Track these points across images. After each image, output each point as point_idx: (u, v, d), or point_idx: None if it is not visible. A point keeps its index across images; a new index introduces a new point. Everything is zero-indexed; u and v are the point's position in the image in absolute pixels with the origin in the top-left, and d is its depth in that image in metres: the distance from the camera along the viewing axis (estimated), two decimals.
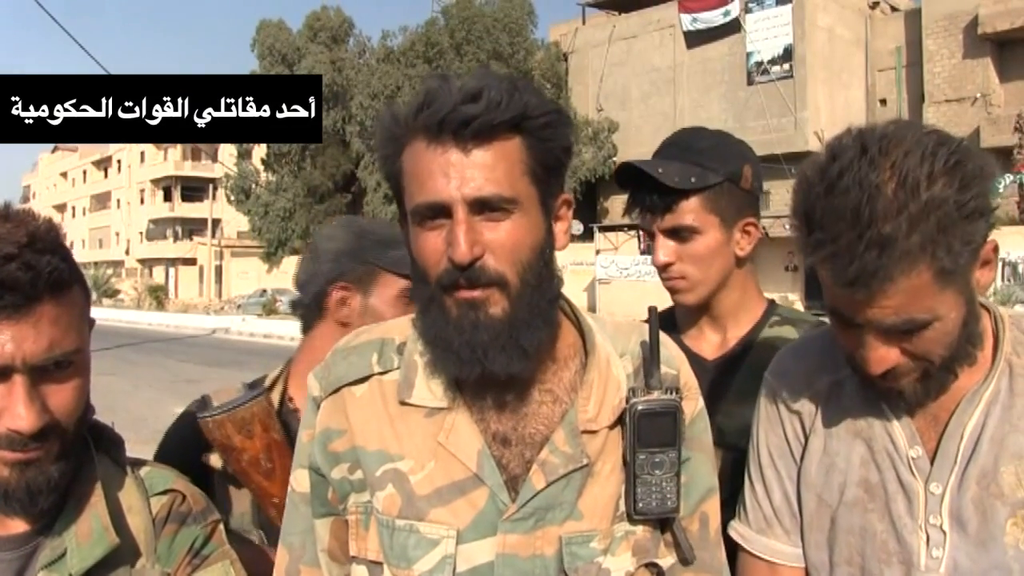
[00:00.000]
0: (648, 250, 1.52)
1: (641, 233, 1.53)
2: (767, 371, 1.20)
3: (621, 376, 0.98)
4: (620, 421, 0.96)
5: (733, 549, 1.17)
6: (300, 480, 1.03)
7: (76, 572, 0.92)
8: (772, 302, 1.51)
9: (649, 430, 0.94)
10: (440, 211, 0.88)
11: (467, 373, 0.90)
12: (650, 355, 0.98)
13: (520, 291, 0.89)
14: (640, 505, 0.94)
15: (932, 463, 1.03)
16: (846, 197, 0.89)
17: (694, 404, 1.03)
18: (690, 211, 1.37)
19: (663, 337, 1.01)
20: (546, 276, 0.92)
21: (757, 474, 1.18)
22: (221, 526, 1.08)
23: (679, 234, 1.38)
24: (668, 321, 1.45)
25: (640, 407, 0.94)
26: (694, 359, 1.20)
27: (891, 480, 1.05)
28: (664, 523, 0.98)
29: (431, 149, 0.88)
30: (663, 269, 1.41)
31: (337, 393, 0.99)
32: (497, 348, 0.88)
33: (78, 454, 0.98)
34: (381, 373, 0.98)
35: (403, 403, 0.96)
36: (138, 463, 1.08)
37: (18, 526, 0.96)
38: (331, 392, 1.00)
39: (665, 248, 1.39)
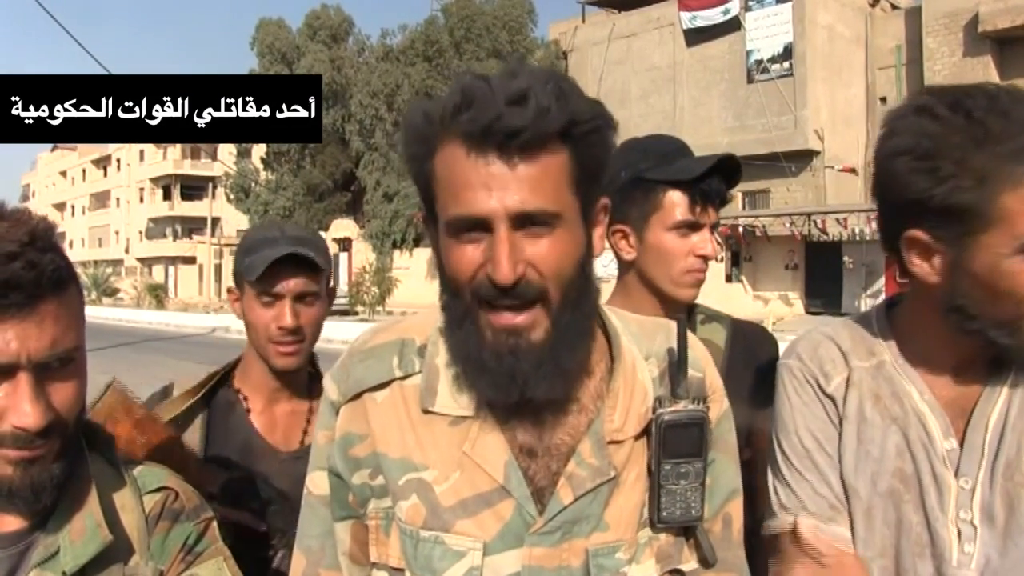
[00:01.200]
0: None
1: (623, 232, 1.49)
2: (786, 357, 1.17)
3: (647, 382, 0.96)
4: (646, 430, 0.94)
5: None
6: (318, 482, 1.00)
7: (69, 570, 0.92)
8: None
9: (675, 441, 0.92)
10: (479, 225, 0.83)
11: (503, 398, 0.87)
12: (677, 364, 0.95)
13: (562, 309, 0.85)
14: (664, 514, 0.93)
15: (959, 457, 1.03)
16: (1019, 103, 0.94)
17: (719, 406, 1.01)
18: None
19: (691, 340, 0.99)
20: (587, 289, 0.89)
21: (805, 463, 1.11)
22: (215, 523, 1.07)
23: (715, 229, 1.46)
24: None
25: (666, 418, 0.92)
26: None
27: (925, 472, 1.04)
28: (687, 528, 0.96)
29: (471, 157, 0.82)
30: (702, 262, 1.44)
31: (358, 399, 0.96)
32: (539, 376, 0.85)
33: (73, 452, 0.97)
34: (402, 378, 0.95)
35: (426, 411, 0.93)
36: (131, 462, 1.08)
37: (11, 524, 0.95)
38: (351, 398, 0.97)
39: (714, 243, 1.44)
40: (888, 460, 1.06)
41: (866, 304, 23.77)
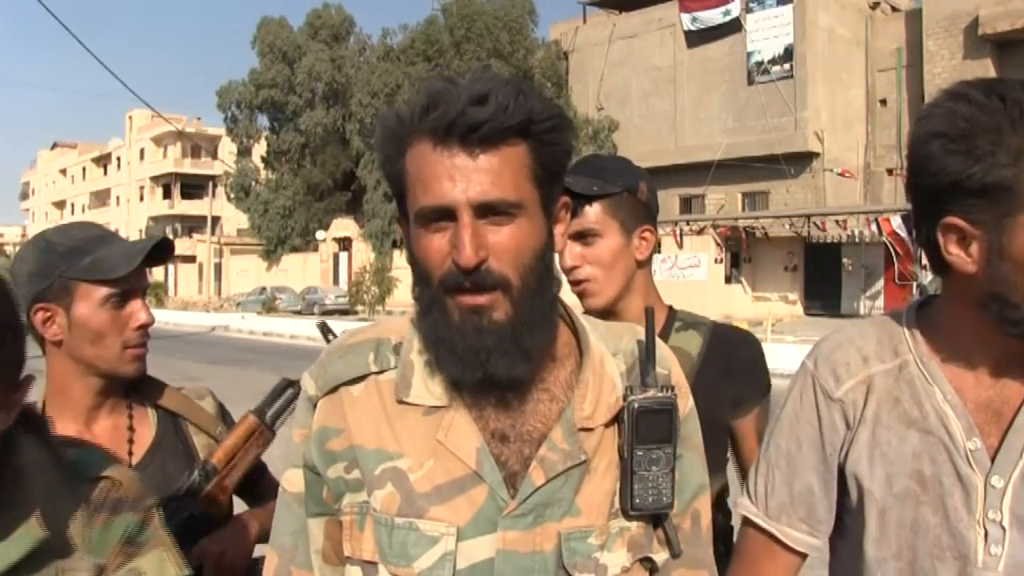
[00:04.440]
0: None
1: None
2: (806, 359, 1.18)
3: (615, 375, 0.99)
4: (615, 419, 0.97)
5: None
6: (293, 480, 1.02)
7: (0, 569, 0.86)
8: (672, 308, 1.62)
9: (647, 427, 0.95)
10: (445, 214, 0.89)
11: (469, 376, 0.91)
12: (646, 354, 0.99)
13: (523, 294, 0.90)
14: (637, 501, 0.95)
15: (994, 458, 1.02)
16: None
17: (685, 403, 1.04)
18: (593, 215, 1.51)
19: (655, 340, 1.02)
20: (547, 279, 0.93)
21: (779, 461, 1.15)
22: (156, 512, 1.03)
23: (584, 238, 1.52)
24: None
25: (638, 404, 0.95)
26: None
27: (947, 473, 1.04)
28: (656, 519, 0.99)
29: (437, 152, 0.88)
30: (570, 272, 1.53)
31: (334, 392, 0.99)
32: (500, 352, 0.89)
33: (6, 438, 0.90)
34: (378, 372, 0.98)
35: (401, 402, 0.96)
36: (69, 444, 1.02)
37: None
38: (328, 391, 0.99)
39: (571, 252, 1.52)
40: (904, 462, 1.06)
41: (865, 306, 23.80)
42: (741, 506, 1.21)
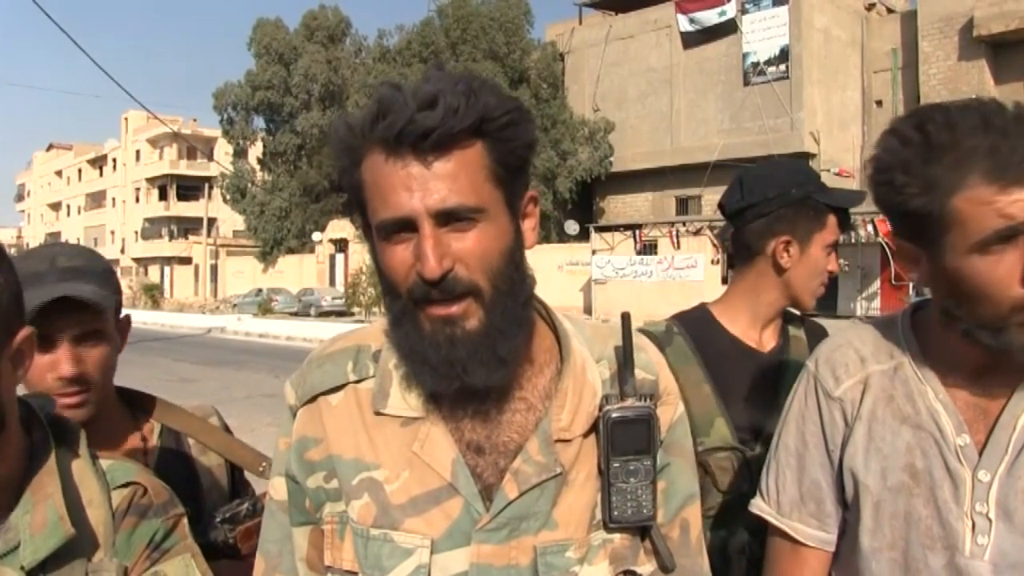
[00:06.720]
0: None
1: (788, 242, 1.65)
2: (808, 362, 1.24)
3: (597, 383, 0.97)
4: (595, 429, 0.95)
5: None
6: (277, 488, 1.02)
7: (28, 564, 0.89)
8: None
9: (623, 438, 0.93)
10: (405, 225, 0.86)
11: (445, 387, 0.89)
12: (624, 362, 0.97)
13: (494, 299, 0.88)
14: (615, 513, 0.93)
15: (981, 453, 1.07)
16: (968, 115, 1.00)
17: (673, 410, 1.02)
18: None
19: (643, 342, 1.01)
20: (518, 279, 0.91)
21: (789, 460, 1.21)
22: (184, 520, 1.05)
23: (838, 247, 1.67)
24: (706, 320, 1.65)
25: (613, 415, 0.93)
26: (751, 353, 1.58)
27: (938, 467, 1.08)
28: (644, 530, 0.97)
29: (390, 162, 0.86)
30: (829, 276, 1.66)
31: (313, 402, 0.98)
32: (476, 362, 0.87)
33: (36, 444, 0.96)
34: (356, 381, 0.97)
35: (378, 413, 0.95)
36: (101, 456, 1.05)
37: None
38: (307, 401, 0.98)
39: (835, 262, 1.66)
40: (898, 456, 1.11)
41: (861, 307, 23.83)
42: (754, 506, 1.25)
